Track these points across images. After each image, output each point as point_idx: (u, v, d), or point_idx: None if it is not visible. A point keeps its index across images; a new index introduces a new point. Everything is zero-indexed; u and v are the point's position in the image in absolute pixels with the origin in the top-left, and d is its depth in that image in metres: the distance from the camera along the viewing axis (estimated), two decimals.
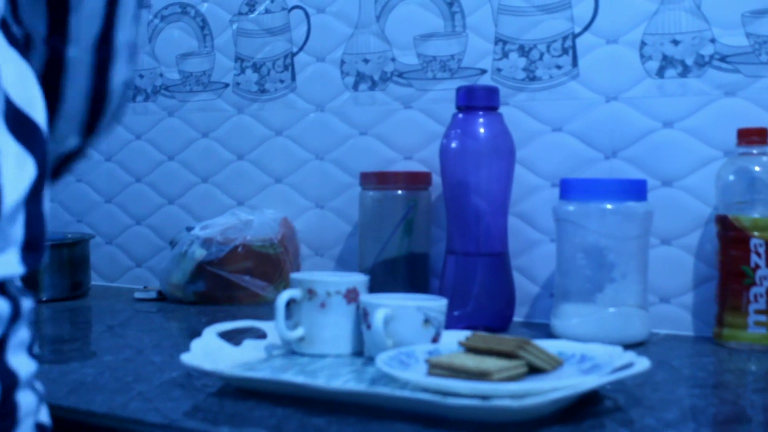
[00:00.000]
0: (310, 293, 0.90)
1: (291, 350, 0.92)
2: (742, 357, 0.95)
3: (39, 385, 0.57)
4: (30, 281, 0.58)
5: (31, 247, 0.52)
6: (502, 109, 1.13)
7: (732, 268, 0.99)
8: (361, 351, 0.90)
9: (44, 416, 0.58)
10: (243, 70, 1.46)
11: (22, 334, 0.54)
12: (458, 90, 1.12)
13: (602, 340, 0.88)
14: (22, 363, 0.53)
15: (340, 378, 0.79)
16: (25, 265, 0.52)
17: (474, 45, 1.25)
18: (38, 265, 0.54)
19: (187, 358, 0.79)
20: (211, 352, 0.84)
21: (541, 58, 1.20)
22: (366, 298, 0.89)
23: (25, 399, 0.53)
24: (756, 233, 0.97)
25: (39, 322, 1.17)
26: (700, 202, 1.10)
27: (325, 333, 0.90)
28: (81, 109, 0.65)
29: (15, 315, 0.52)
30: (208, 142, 1.49)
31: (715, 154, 1.09)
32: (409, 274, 1.20)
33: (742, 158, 1.01)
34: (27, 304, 0.54)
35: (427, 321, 0.85)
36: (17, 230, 0.51)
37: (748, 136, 1.01)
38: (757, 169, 0.99)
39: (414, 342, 0.83)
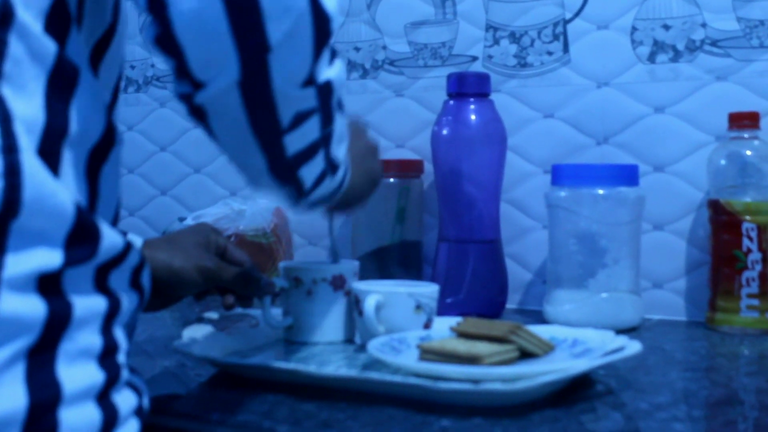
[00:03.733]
0: (297, 281, 0.90)
1: (283, 338, 0.92)
2: (735, 341, 0.95)
3: (123, 396, 0.51)
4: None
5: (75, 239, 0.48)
6: (493, 96, 1.13)
7: (724, 253, 0.99)
8: (353, 338, 0.90)
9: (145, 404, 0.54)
10: None
11: (84, 340, 0.48)
12: (449, 77, 1.11)
13: (595, 325, 0.88)
14: (77, 374, 0.47)
15: (332, 364, 0.79)
16: (67, 257, 0.47)
17: (465, 32, 1.25)
18: (87, 257, 0.48)
19: (179, 345, 0.79)
20: (203, 339, 0.84)
21: (532, 44, 1.20)
22: (357, 285, 0.89)
23: (79, 416, 0.46)
24: (748, 217, 0.97)
25: None
26: (692, 187, 1.10)
27: (313, 321, 0.90)
28: None
29: (61, 319, 0.46)
30: (201, 132, 1.48)
31: (706, 139, 1.09)
32: (402, 262, 1.20)
33: (733, 142, 1.00)
34: (93, 306, 0.49)
35: (418, 307, 0.85)
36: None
37: (740, 120, 1.01)
38: (748, 153, 0.99)
39: (406, 328, 0.83)
